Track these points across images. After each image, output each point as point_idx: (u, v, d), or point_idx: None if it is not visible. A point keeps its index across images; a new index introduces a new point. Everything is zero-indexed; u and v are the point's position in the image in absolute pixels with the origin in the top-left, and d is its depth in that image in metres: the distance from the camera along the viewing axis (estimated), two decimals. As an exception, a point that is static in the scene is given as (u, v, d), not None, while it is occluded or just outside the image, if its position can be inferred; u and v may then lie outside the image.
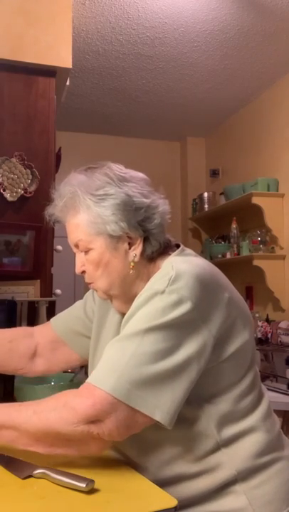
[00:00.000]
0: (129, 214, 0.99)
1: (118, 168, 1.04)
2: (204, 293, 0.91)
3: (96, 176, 1.02)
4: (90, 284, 1.06)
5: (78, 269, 1.05)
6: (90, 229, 1.00)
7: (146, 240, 1.02)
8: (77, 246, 1.04)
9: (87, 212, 1.00)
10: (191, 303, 0.88)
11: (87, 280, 1.06)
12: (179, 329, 0.88)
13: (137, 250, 1.01)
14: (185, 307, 0.88)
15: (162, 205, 1.05)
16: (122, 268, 1.01)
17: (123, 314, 1.07)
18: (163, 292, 0.90)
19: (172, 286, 0.89)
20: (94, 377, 0.88)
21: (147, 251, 1.02)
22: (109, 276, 1.02)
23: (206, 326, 0.90)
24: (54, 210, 1.05)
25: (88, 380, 0.89)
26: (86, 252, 1.02)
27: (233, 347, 0.95)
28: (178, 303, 0.88)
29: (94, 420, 0.85)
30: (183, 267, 0.93)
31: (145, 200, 1.01)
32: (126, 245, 1.01)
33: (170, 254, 1.04)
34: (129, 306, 1.00)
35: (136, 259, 1.01)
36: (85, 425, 0.85)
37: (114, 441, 0.92)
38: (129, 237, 1.01)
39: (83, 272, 1.05)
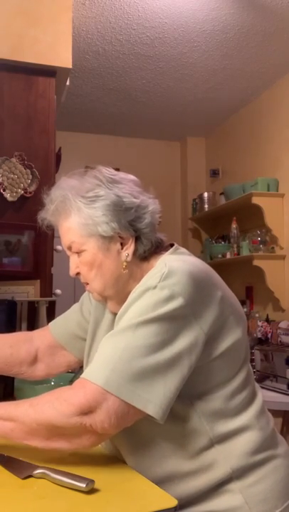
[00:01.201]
0: (119, 214, 1.01)
1: (108, 171, 1.06)
2: (197, 290, 0.92)
3: (86, 179, 1.04)
4: (86, 284, 1.07)
5: (72, 272, 1.07)
6: (82, 231, 1.02)
7: (137, 239, 1.04)
8: (70, 248, 1.06)
9: (78, 215, 1.02)
10: (183, 299, 0.90)
11: (82, 281, 1.07)
12: (170, 324, 0.89)
13: (129, 250, 1.03)
14: (177, 302, 0.89)
15: (152, 204, 1.06)
16: (115, 268, 1.03)
17: (116, 315, 1.08)
18: (155, 287, 0.91)
19: (164, 282, 0.91)
20: (87, 371, 0.90)
21: (139, 250, 1.04)
22: (103, 277, 1.03)
23: (198, 322, 0.91)
24: (46, 214, 1.07)
25: (82, 375, 0.91)
26: (79, 253, 1.04)
27: (225, 345, 0.96)
28: (170, 298, 0.89)
29: (86, 412, 0.86)
30: (176, 265, 0.94)
31: (135, 200, 1.03)
32: (118, 245, 1.03)
33: (163, 253, 1.05)
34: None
35: (128, 259, 1.03)
36: (77, 416, 0.86)
37: (108, 437, 0.93)
38: (121, 238, 1.02)
39: (77, 273, 1.07)
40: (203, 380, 0.95)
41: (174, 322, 0.89)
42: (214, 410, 0.95)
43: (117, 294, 1.05)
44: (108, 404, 0.86)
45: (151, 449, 0.96)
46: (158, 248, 1.07)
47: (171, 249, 1.06)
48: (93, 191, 1.01)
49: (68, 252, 1.07)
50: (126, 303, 0.98)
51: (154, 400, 0.86)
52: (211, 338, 0.93)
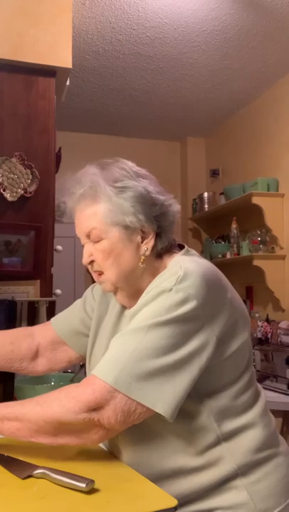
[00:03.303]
0: (146, 208, 1.02)
1: (132, 164, 1.07)
2: (210, 293, 0.93)
3: (113, 169, 1.04)
4: (99, 274, 1.06)
5: (86, 260, 1.06)
6: (108, 218, 1.01)
7: (157, 235, 1.04)
8: (88, 236, 1.04)
9: (108, 202, 1.01)
10: (197, 301, 0.91)
11: (95, 269, 1.06)
12: (182, 326, 0.90)
13: (149, 244, 1.03)
14: (190, 305, 0.90)
15: (174, 204, 1.08)
16: (131, 260, 1.03)
17: (122, 307, 1.10)
18: (170, 290, 0.92)
19: (180, 285, 0.92)
20: (97, 369, 0.91)
21: (158, 246, 1.05)
22: (120, 267, 1.03)
23: (210, 325, 0.92)
24: (69, 198, 1.06)
25: (92, 372, 0.92)
26: (97, 241, 1.03)
27: (234, 346, 0.98)
28: (184, 301, 0.91)
29: (95, 408, 0.87)
30: (190, 267, 0.95)
31: (160, 197, 1.04)
32: (139, 238, 1.03)
33: (176, 253, 1.07)
34: (131, 300, 1.03)
35: (147, 253, 1.03)
36: (85, 413, 0.87)
37: (116, 432, 0.93)
38: (143, 231, 1.03)
39: (91, 262, 1.05)
40: (213, 379, 0.96)
41: (186, 325, 0.90)
42: (222, 408, 0.97)
43: (129, 286, 1.06)
44: (116, 401, 0.87)
45: (158, 445, 0.97)
46: (171, 247, 1.08)
47: (183, 250, 1.07)
48: (122, 182, 1.02)
49: (83, 240, 1.06)
50: (139, 302, 0.98)
51: (162, 399, 0.87)
52: (223, 340, 0.95)
